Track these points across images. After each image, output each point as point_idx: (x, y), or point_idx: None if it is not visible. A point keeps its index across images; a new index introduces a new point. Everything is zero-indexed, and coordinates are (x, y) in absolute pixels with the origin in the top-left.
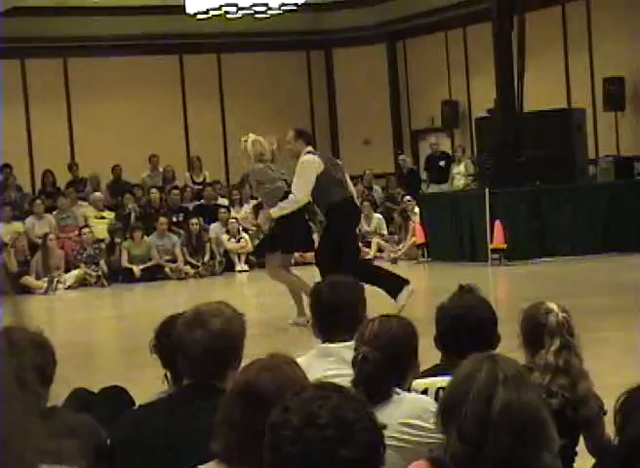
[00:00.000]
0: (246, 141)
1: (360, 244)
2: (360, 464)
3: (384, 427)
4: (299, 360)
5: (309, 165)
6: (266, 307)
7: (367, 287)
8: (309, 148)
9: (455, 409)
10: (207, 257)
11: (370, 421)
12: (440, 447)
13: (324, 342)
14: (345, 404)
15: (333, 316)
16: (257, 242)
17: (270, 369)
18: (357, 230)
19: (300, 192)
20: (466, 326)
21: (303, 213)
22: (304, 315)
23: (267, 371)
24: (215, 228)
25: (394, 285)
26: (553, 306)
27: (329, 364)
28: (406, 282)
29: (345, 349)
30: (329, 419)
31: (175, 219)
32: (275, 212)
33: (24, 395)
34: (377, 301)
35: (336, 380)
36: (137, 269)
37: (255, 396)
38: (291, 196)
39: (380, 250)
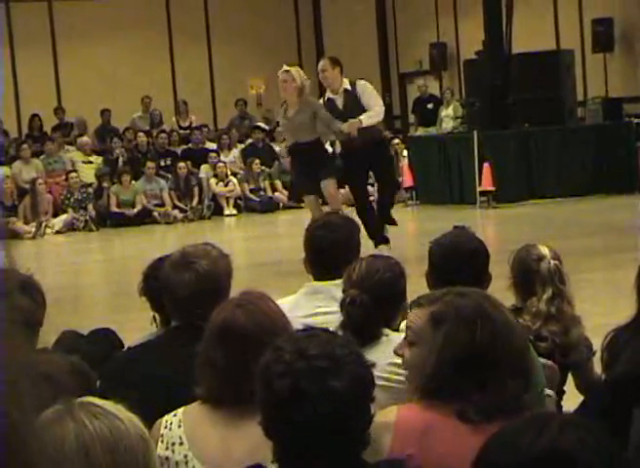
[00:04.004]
0: (287, 72)
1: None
2: (350, 397)
3: (373, 365)
4: (288, 299)
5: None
6: (256, 251)
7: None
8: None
9: (473, 357)
10: (195, 201)
11: (358, 357)
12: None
13: (314, 280)
14: (334, 340)
15: (323, 254)
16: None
17: (244, 306)
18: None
19: (382, 107)
20: (458, 257)
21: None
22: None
23: (241, 309)
24: (205, 170)
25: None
26: (545, 251)
27: (318, 301)
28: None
29: (334, 287)
30: (318, 352)
31: (162, 164)
32: (365, 119)
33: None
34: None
35: (324, 317)
36: (128, 213)
37: (233, 334)
38: (377, 109)
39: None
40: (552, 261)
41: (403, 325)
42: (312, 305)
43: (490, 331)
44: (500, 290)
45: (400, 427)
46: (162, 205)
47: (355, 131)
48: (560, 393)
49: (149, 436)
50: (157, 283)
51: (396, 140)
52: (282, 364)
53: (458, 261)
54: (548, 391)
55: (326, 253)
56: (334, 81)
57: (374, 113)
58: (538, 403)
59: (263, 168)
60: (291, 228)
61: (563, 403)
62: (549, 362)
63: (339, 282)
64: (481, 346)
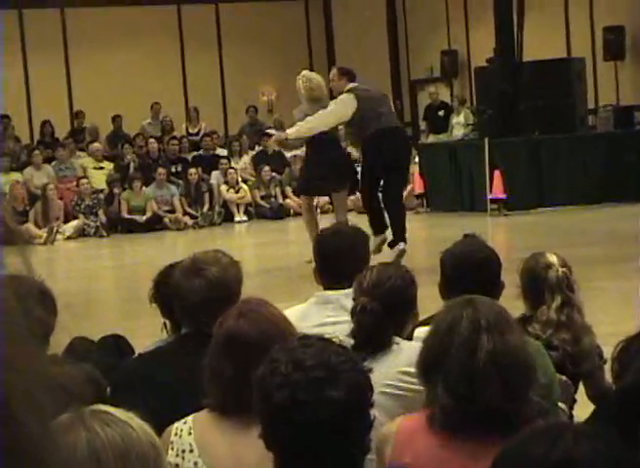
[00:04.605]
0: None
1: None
2: (347, 405)
3: (370, 370)
4: (297, 308)
5: (342, 103)
6: (266, 257)
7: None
8: (351, 85)
9: (438, 363)
10: (206, 208)
11: (354, 364)
12: (431, 401)
13: (325, 290)
14: (329, 348)
15: (333, 263)
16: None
17: (246, 314)
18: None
19: (320, 119)
20: (470, 267)
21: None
22: None
23: (244, 318)
24: (216, 177)
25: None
26: (553, 260)
27: (327, 311)
28: (404, 240)
29: (344, 296)
30: (314, 362)
31: (173, 170)
32: (290, 132)
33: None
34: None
35: (334, 327)
36: (140, 218)
37: (238, 344)
38: (314, 116)
39: None
40: (560, 269)
41: (417, 332)
42: (322, 315)
43: (450, 343)
44: (510, 298)
45: (399, 437)
46: (173, 211)
47: (275, 145)
48: (572, 401)
49: (160, 443)
50: (168, 289)
51: None
52: (278, 376)
53: (469, 271)
54: (561, 405)
55: (331, 261)
56: (338, 91)
57: (304, 122)
58: (552, 413)
59: (274, 174)
60: (301, 235)
61: (574, 412)
62: (563, 377)
63: (348, 291)
64: (437, 356)
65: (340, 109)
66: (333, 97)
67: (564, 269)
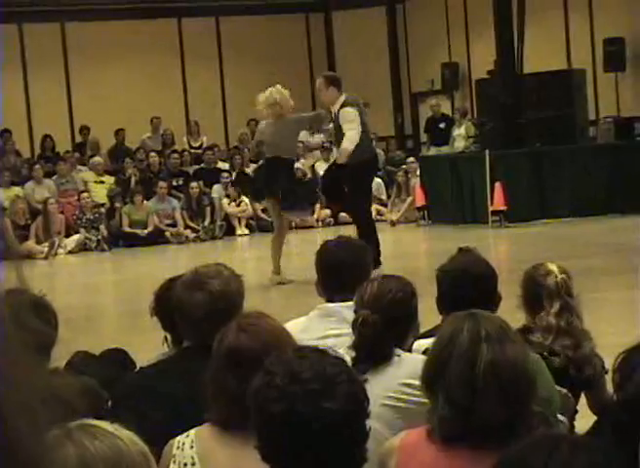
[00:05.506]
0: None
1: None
2: (344, 416)
3: (365, 380)
4: (299, 320)
5: (357, 122)
6: (268, 271)
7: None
8: (344, 98)
9: (440, 374)
10: (207, 221)
11: (350, 375)
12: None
13: (326, 302)
14: (324, 360)
15: (335, 275)
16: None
17: (246, 329)
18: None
19: (357, 134)
20: (466, 282)
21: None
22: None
23: (245, 333)
24: (217, 190)
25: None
26: (553, 267)
27: (329, 323)
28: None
29: (346, 309)
30: (311, 374)
31: (175, 183)
32: (348, 146)
33: (28, 354)
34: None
35: (335, 339)
36: (141, 232)
37: (241, 359)
38: (351, 134)
39: (379, 213)
40: (560, 275)
41: (416, 344)
42: (324, 327)
43: (449, 354)
44: (511, 309)
45: (403, 451)
46: (174, 225)
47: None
48: (573, 413)
49: (149, 451)
50: (168, 303)
51: (411, 158)
52: (274, 388)
53: (465, 288)
54: (560, 417)
55: (333, 273)
56: (329, 101)
57: (348, 141)
58: (552, 423)
59: None
60: (303, 248)
61: (576, 423)
62: (563, 390)
63: (350, 304)
64: (438, 367)
65: (358, 123)
66: (332, 109)
67: (563, 275)
